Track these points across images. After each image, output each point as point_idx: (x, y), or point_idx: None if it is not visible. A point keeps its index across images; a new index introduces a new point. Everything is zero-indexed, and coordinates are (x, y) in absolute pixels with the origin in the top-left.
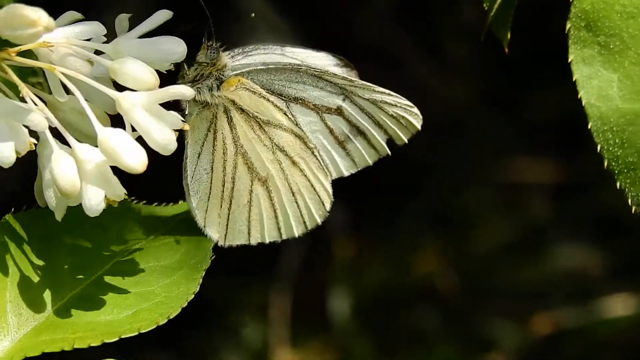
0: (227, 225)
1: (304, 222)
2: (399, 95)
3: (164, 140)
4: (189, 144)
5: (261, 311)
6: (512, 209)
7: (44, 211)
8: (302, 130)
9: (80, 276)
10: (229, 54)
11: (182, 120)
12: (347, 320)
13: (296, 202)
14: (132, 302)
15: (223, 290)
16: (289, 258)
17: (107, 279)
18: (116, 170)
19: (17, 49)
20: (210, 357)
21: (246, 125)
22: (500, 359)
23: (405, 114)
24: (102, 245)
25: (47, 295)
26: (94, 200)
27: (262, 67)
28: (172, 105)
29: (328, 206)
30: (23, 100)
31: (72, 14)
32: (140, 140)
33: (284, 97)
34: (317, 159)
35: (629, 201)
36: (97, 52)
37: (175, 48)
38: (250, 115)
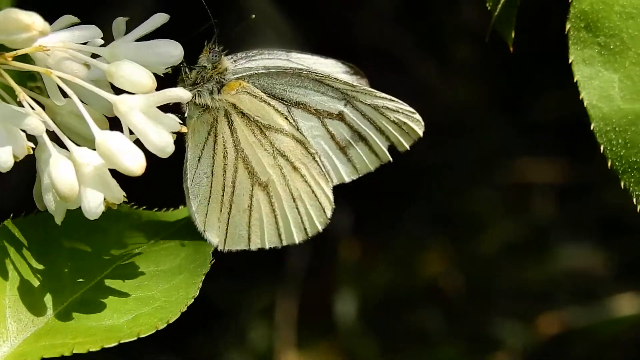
0: (226, 230)
1: (305, 229)
2: (401, 101)
3: (162, 143)
4: (189, 147)
5: (267, 314)
6: (515, 210)
7: (43, 215)
8: (303, 135)
9: (80, 280)
10: (232, 57)
11: (180, 123)
12: (352, 322)
13: (297, 208)
14: (131, 307)
15: (229, 293)
16: (294, 261)
17: (107, 283)
18: (116, 174)
19: (13, 53)
20: None
21: (247, 129)
22: (506, 359)
23: (407, 120)
24: (102, 249)
25: (47, 300)
26: (93, 203)
27: (264, 70)
28: (172, 108)
29: (329, 213)
30: (20, 104)
31: (69, 18)
32: (138, 143)
33: (285, 101)
34: (318, 164)
35: (634, 200)
36: (95, 56)
37: (172, 51)
38: (251, 119)
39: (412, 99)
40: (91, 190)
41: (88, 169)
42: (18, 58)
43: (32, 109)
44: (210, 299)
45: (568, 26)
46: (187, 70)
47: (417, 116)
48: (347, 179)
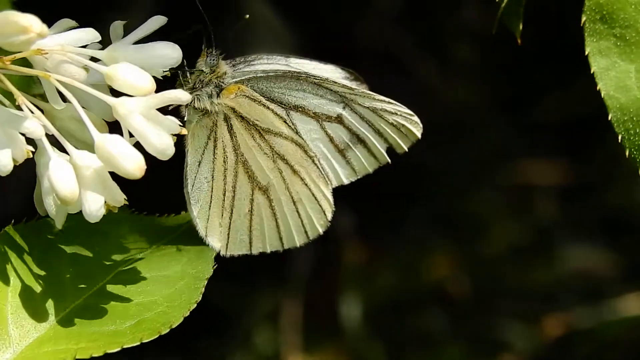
0: (228, 234)
1: (306, 232)
2: (399, 104)
3: (162, 145)
4: (189, 151)
5: (272, 318)
6: (519, 212)
7: (44, 221)
8: (302, 139)
9: (83, 286)
10: (231, 62)
11: (180, 125)
12: (358, 325)
13: (297, 212)
14: (134, 312)
15: (233, 297)
16: (298, 264)
17: (110, 289)
18: (116, 177)
19: (11, 57)
20: None
21: (246, 133)
22: None
23: (405, 123)
24: (104, 254)
25: (49, 305)
26: (94, 207)
27: (262, 74)
28: (171, 113)
29: (329, 215)
30: (19, 108)
31: (67, 21)
32: (138, 146)
33: (284, 105)
34: (317, 167)
35: None
36: (94, 59)
37: (170, 53)
38: (251, 123)
39: (412, 100)
40: (91, 194)
41: (88, 172)
42: (16, 62)
43: (32, 112)
44: (214, 303)
45: (583, 18)
46: (185, 74)
47: (416, 118)
48: (346, 181)
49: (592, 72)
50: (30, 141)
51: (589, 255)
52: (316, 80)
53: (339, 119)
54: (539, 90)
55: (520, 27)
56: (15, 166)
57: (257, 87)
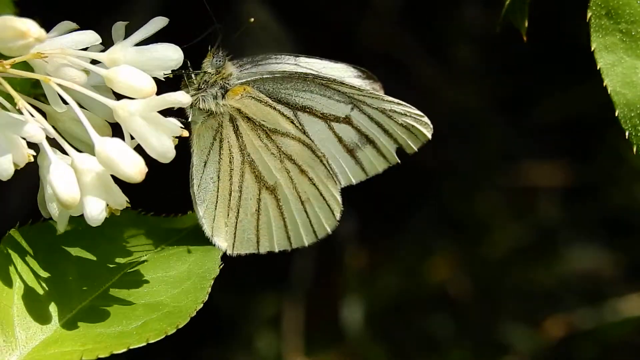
0: (234, 234)
1: (314, 232)
2: (409, 105)
3: (162, 148)
4: (195, 152)
5: (274, 322)
6: (521, 213)
7: (48, 224)
8: (310, 139)
9: (88, 288)
10: (237, 62)
11: (182, 127)
12: (360, 328)
13: (305, 211)
14: (140, 313)
15: (235, 302)
16: (300, 269)
17: (116, 290)
18: (119, 179)
19: (11, 61)
20: None
21: (253, 133)
22: None
23: (415, 123)
24: (110, 256)
25: (55, 307)
26: (95, 210)
27: (268, 75)
28: (176, 113)
29: (338, 215)
30: (20, 112)
31: (67, 24)
32: (140, 148)
33: (291, 106)
34: (325, 167)
35: None
36: (94, 62)
37: (171, 55)
38: (257, 123)
39: (414, 102)
40: (92, 197)
41: (89, 175)
42: (16, 66)
43: (32, 116)
44: (217, 308)
45: (589, 14)
46: (190, 75)
47: (426, 119)
48: (355, 182)
49: (598, 68)
50: (32, 144)
51: (591, 256)
52: (323, 81)
53: (348, 120)
54: (540, 91)
55: (526, 24)
56: (19, 169)
57: (263, 88)
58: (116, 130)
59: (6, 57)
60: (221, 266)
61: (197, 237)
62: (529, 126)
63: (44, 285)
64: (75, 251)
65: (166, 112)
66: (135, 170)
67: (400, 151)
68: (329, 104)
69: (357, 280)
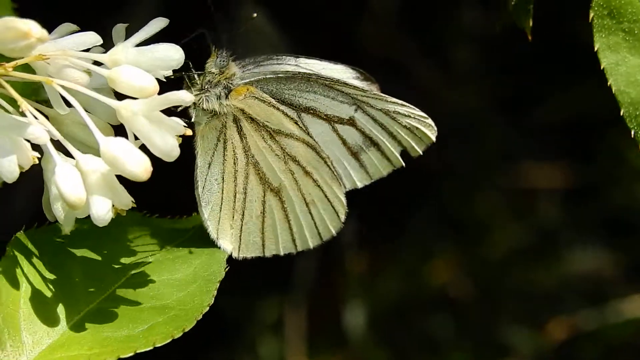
0: (240, 236)
1: (319, 234)
2: (412, 106)
3: (166, 147)
4: (199, 153)
5: (277, 327)
6: (522, 214)
7: (54, 227)
8: (315, 140)
9: (95, 291)
10: (240, 63)
11: (185, 126)
12: (362, 332)
13: (310, 213)
14: (147, 316)
15: (238, 307)
16: (302, 273)
17: (121, 293)
18: (124, 180)
19: (13, 63)
20: None
21: (256, 134)
22: None
23: (419, 125)
24: (115, 258)
25: (61, 311)
26: (102, 210)
27: (272, 76)
28: (180, 114)
29: (342, 217)
30: (23, 114)
31: (68, 26)
32: (144, 148)
33: (295, 106)
34: (330, 169)
35: None
36: (96, 63)
37: (173, 55)
38: (260, 124)
39: (415, 104)
40: (99, 197)
41: (95, 175)
42: (18, 68)
43: (36, 118)
44: (220, 313)
45: (591, 14)
46: (194, 75)
47: (430, 121)
48: (360, 185)
49: (602, 68)
50: (35, 147)
51: (593, 256)
52: (327, 82)
53: (351, 121)
54: (540, 91)
55: (530, 23)
56: (23, 172)
57: (267, 88)
58: (118, 133)
59: (8, 60)
60: (227, 269)
61: (202, 239)
62: (529, 126)
63: (50, 288)
64: (81, 253)
65: (170, 114)
66: (141, 168)
67: (404, 154)
68: (333, 105)
69: (358, 283)
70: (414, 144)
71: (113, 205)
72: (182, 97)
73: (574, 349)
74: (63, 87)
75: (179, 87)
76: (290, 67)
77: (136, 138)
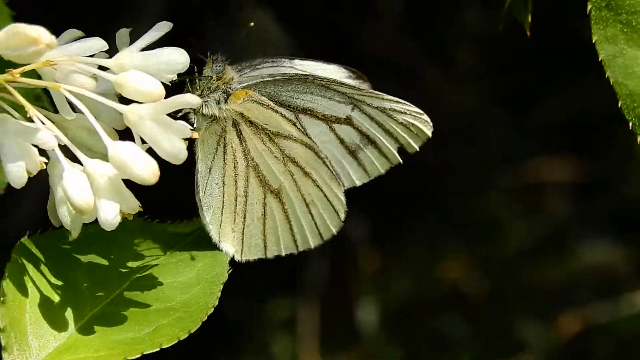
0: (242, 239)
1: (320, 233)
2: (408, 103)
3: (174, 150)
4: (200, 158)
5: (289, 327)
6: (532, 211)
7: (58, 231)
8: (313, 141)
9: (100, 294)
10: (236, 67)
11: (191, 129)
12: (375, 330)
13: (310, 213)
14: (152, 319)
15: (250, 309)
16: (314, 272)
17: (127, 296)
18: (129, 184)
19: (20, 69)
20: None
21: (256, 137)
22: (530, 359)
23: (415, 122)
24: (119, 262)
25: (67, 315)
26: (110, 214)
27: (269, 78)
28: (181, 119)
29: (342, 216)
30: (30, 120)
31: (73, 32)
32: (150, 152)
33: (292, 108)
34: (329, 169)
35: None
36: (102, 68)
37: (178, 59)
38: (260, 127)
39: (419, 104)
40: (106, 202)
41: (102, 180)
42: (24, 74)
43: (43, 124)
44: (231, 316)
45: (589, 7)
46: (193, 81)
47: (425, 117)
48: (359, 183)
49: (600, 60)
50: (41, 152)
51: (603, 250)
52: (323, 82)
53: (348, 120)
54: (547, 88)
55: (529, 18)
56: (31, 177)
57: (265, 91)
58: (122, 137)
59: (15, 66)
60: (230, 271)
61: (205, 243)
62: (538, 123)
63: (56, 292)
64: (85, 258)
65: (171, 117)
66: (149, 172)
67: (401, 151)
68: (330, 105)
69: (370, 282)
70: (410, 140)
71: (120, 210)
72: (189, 100)
73: (587, 342)
74: (71, 92)
75: (178, 92)
76: (286, 69)
77: (143, 142)
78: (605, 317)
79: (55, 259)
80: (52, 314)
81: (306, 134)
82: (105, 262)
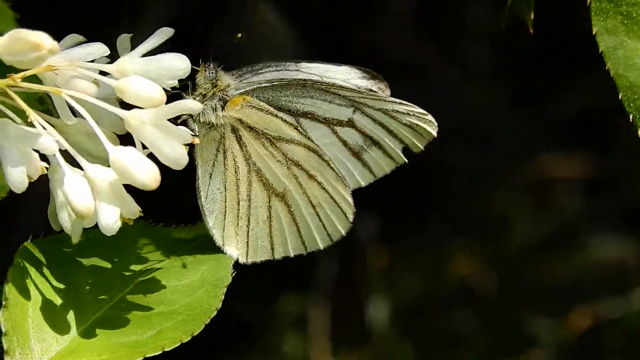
0: (247, 242)
1: (328, 234)
2: (411, 104)
3: (175, 155)
4: (200, 164)
5: (300, 325)
6: (542, 207)
7: (61, 235)
8: (315, 144)
9: (102, 298)
10: (237, 73)
11: (192, 135)
12: (386, 328)
13: (317, 215)
14: (155, 322)
15: (260, 308)
16: (324, 271)
17: (130, 299)
18: (128, 189)
19: (22, 74)
20: None
21: (257, 142)
22: (542, 355)
23: (419, 122)
24: (122, 266)
25: (70, 318)
26: (110, 219)
27: (267, 84)
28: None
29: (350, 217)
30: (31, 125)
31: (74, 37)
32: (151, 157)
33: (293, 112)
34: (334, 170)
35: None
36: (102, 73)
37: (179, 64)
38: (260, 132)
39: (430, 102)
40: (107, 206)
41: (103, 185)
42: (26, 79)
43: (44, 128)
44: (242, 316)
45: None
46: (189, 90)
47: (429, 117)
48: (364, 183)
49: (600, 51)
50: (42, 157)
51: (614, 246)
52: (323, 87)
53: (351, 123)
54: (552, 84)
55: (532, 15)
56: (32, 181)
57: (263, 96)
58: (123, 142)
59: (16, 71)
60: (234, 274)
61: (209, 246)
62: (547, 120)
63: (58, 296)
64: (88, 261)
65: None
66: (150, 177)
67: (406, 151)
68: (331, 109)
69: (380, 280)
70: (415, 140)
71: (120, 215)
72: (190, 105)
73: (598, 337)
74: (72, 97)
75: (177, 99)
76: (291, 73)
77: (144, 147)
78: (617, 313)
79: (57, 263)
80: (54, 318)
81: (308, 137)
82: (108, 266)
